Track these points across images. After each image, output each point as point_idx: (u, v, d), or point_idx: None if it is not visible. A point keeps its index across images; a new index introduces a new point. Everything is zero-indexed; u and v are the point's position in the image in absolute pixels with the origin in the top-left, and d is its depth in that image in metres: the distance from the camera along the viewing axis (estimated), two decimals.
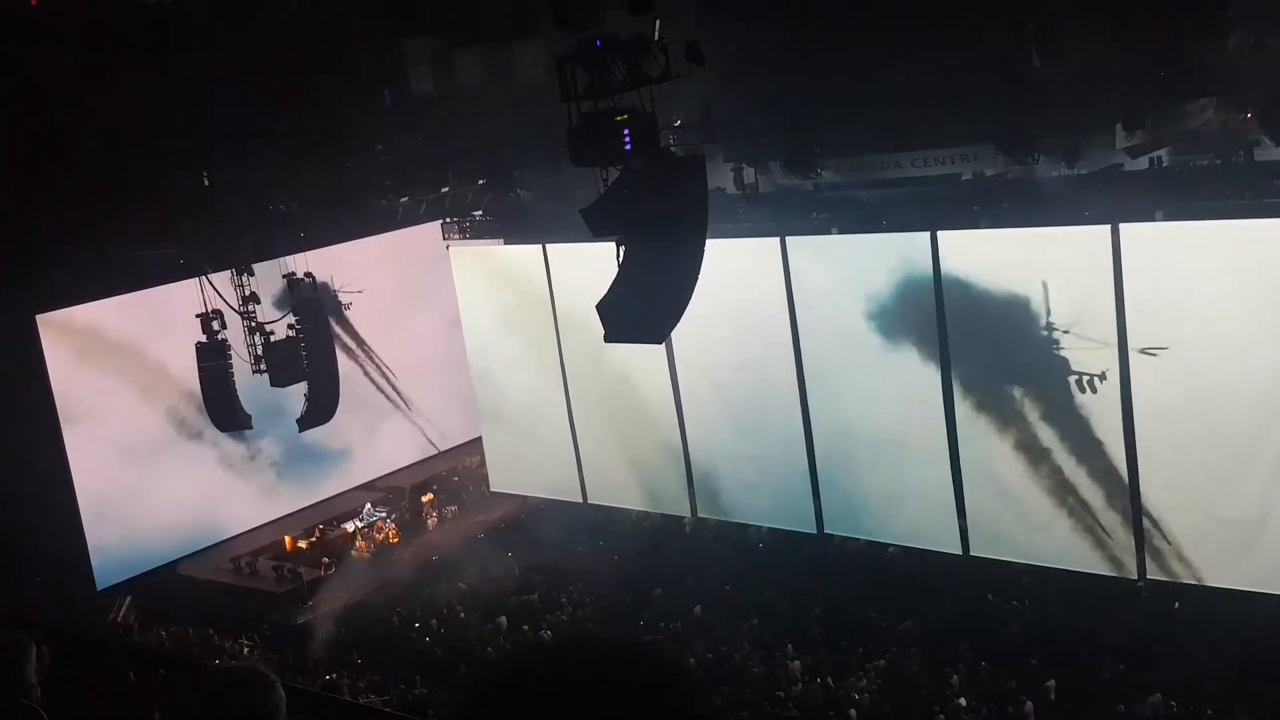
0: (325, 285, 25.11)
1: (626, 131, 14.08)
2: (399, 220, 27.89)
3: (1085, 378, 19.54)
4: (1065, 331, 19.52)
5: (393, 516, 27.57)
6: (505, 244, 26.22)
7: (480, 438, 28.11)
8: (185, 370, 24.46)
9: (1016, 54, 19.09)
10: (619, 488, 25.61)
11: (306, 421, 25.41)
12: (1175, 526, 19.21)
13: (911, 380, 21.26)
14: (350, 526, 27.14)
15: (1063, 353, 19.66)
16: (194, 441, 25.73)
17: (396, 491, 28.37)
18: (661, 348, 22.45)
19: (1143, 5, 18.35)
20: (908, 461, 21.60)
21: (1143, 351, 18.70)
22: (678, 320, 15.09)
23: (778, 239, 22.10)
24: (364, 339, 28.30)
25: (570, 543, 24.91)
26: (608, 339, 15.24)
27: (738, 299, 22.58)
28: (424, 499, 28.00)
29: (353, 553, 26.55)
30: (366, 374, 28.75)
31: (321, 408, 25.43)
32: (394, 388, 29.39)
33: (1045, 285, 19.50)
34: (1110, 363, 19.13)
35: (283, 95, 22.60)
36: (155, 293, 24.74)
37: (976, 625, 20.32)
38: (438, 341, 29.12)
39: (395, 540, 27.10)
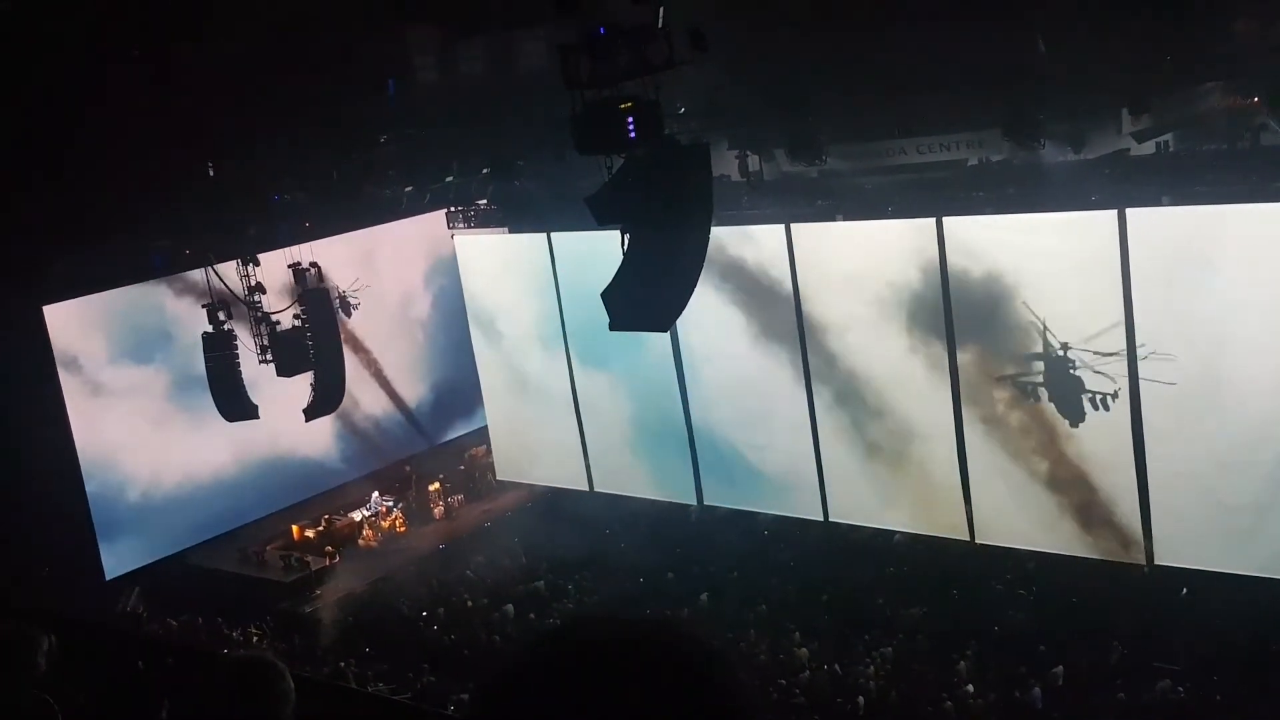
0: (330, 275, 25.09)
1: (630, 119, 14.01)
2: (403, 210, 27.87)
3: (1093, 378, 19.56)
4: (1069, 317, 19.51)
5: (399, 505, 27.64)
6: (510, 232, 26.20)
7: (486, 427, 28.13)
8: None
9: (1022, 38, 18.99)
10: (625, 476, 25.60)
11: (313, 411, 25.38)
12: (1182, 512, 19.17)
13: (918, 368, 21.24)
14: (357, 515, 27.17)
15: (1067, 341, 19.63)
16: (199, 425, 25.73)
17: (403, 480, 28.42)
18: (667, 335, 22.45)
19: None
20: (914, 449, 21.61)
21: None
22: (683, 308, 15.04)
23: (782, 226, 22.07)
24: (368, 328, 28.26)
25: (576, 531, 24.92)
26: (613, 327, 15.18)
27: (743, 286, 22.59)
28: (430, 488, 28.02)
29: (360, 541, 26.61)
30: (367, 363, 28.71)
31: (328, 397, 25.40)
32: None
33: (1049, 273, 19.48)
34: (1117, 348, 19.10)
35: (287, 85, 22.53)
36: (160, 283, 24.82)
37: (984, 612, 20.32)
38: (443, 330, 29.09)
39: (402, 529, 27.18)
